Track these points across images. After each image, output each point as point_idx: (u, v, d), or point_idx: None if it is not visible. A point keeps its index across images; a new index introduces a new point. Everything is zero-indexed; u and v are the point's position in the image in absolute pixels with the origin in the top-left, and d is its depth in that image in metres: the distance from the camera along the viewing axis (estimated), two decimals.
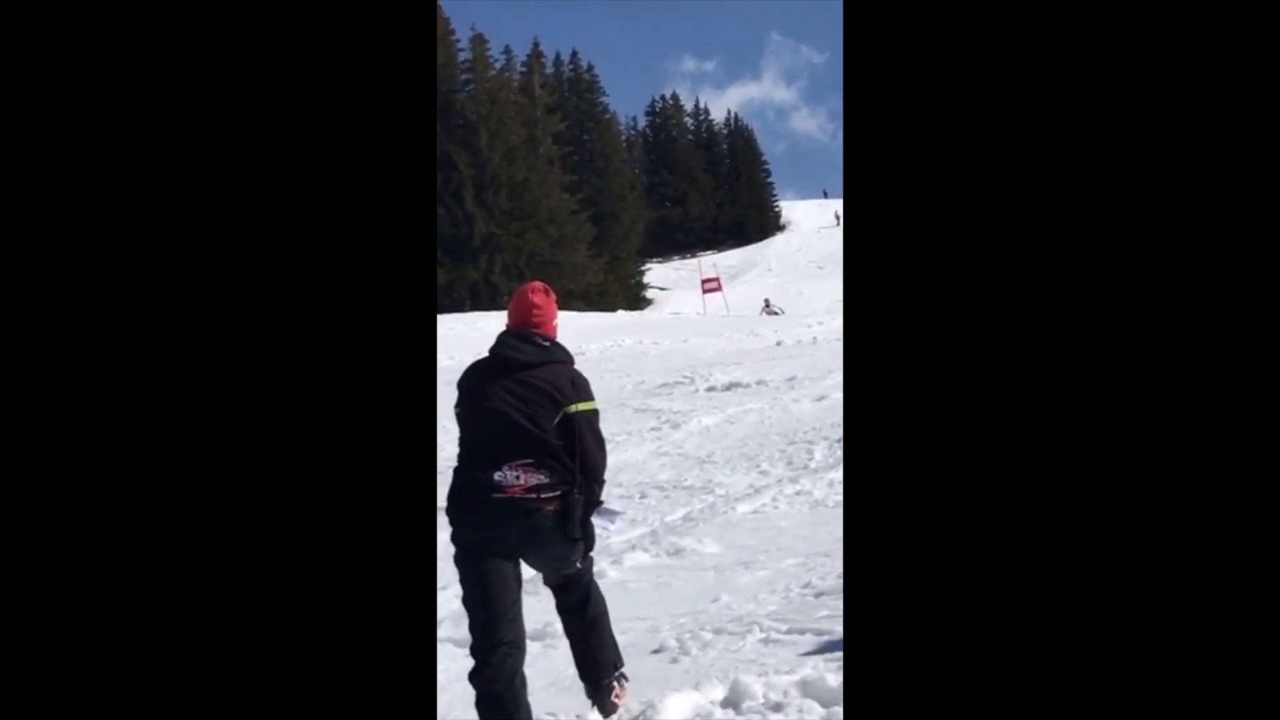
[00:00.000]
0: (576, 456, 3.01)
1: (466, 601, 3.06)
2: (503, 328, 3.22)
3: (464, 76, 39.10)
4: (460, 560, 3.05)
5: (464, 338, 18.05)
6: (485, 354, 3.20)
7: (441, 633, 4.22)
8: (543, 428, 3.00)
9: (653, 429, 9.43)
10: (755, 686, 3.23)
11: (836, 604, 3.81)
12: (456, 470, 3.10)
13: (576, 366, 3.21)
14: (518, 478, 2.97)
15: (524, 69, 44.47)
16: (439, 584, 4.69)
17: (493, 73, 40.31)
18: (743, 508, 6.27)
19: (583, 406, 3.05)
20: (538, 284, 3.28)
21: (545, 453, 2.99)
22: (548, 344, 3.13)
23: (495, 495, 2.97)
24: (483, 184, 36.98)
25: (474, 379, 3.15)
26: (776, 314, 32.21)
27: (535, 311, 3.17)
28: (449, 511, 3.06)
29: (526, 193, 38.17)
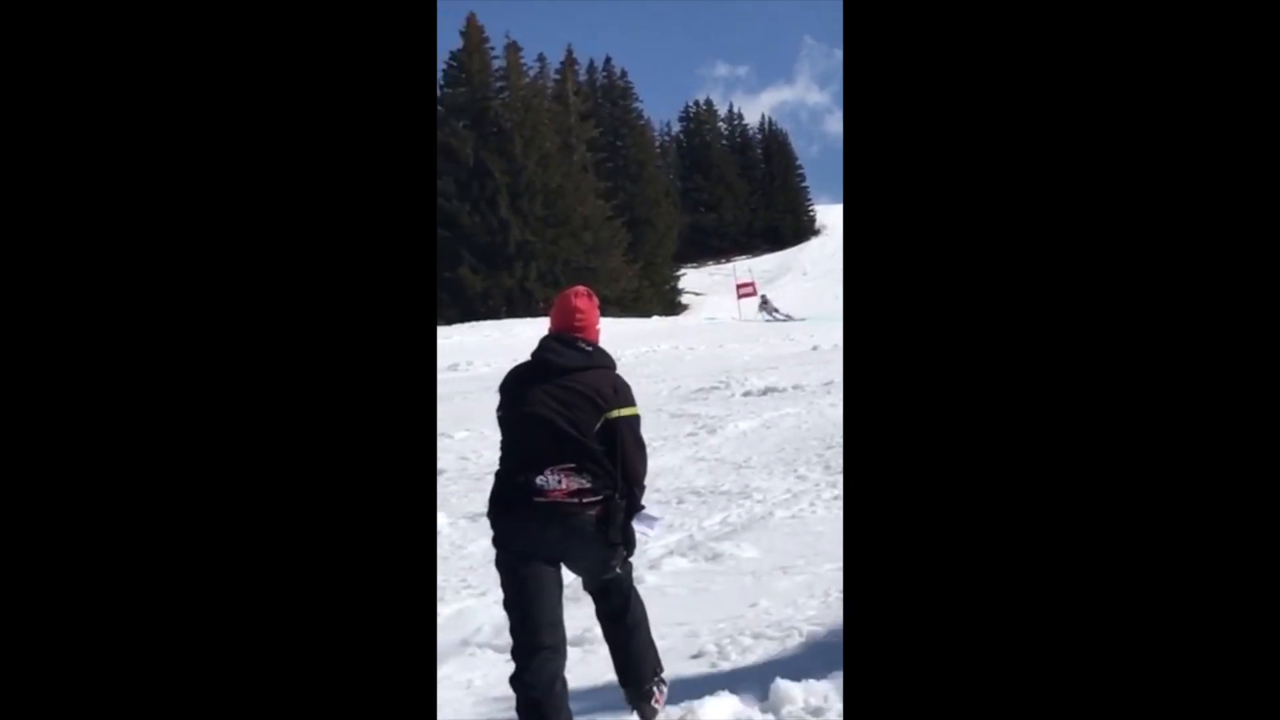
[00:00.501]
0: (617, 461, 3.02)
1: (507, 606, 3.07)
2: (545, 332, 3.24)
3: (498, 84, 39.42)
4: (501, 564, 3.06)
5: (500, 344, 18.17)
6: (528, 358, 3.22)
7: (482, 638, 4.25)
8: (584, 432, 3.00)
9: (689, 434, 9.42)
10: (795, 691, 3.23)
11: None
12: (498, 474, 3.11)
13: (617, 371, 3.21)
14: (559, 482, 2.98)
15: (558, 76, 44.68)
16: (480, 590, 4.74)
17: (527, 80, 40.58)
18: (780, 513, 6.25)
19: (624, 411, 3.06)
20: (581, 288, 3.29)
21: (586, 457, 2.99)
22: (589, 348, 3.14)
23: (537, 499, 2.98)
24: (517, 191, 37.22)
25: (516, 383, 3.16)
26: (775, 311, 31.80)
27: (578, 316, 3.19)
28: (490, 515, 3.08)
29: (561, 199, 38.36)
